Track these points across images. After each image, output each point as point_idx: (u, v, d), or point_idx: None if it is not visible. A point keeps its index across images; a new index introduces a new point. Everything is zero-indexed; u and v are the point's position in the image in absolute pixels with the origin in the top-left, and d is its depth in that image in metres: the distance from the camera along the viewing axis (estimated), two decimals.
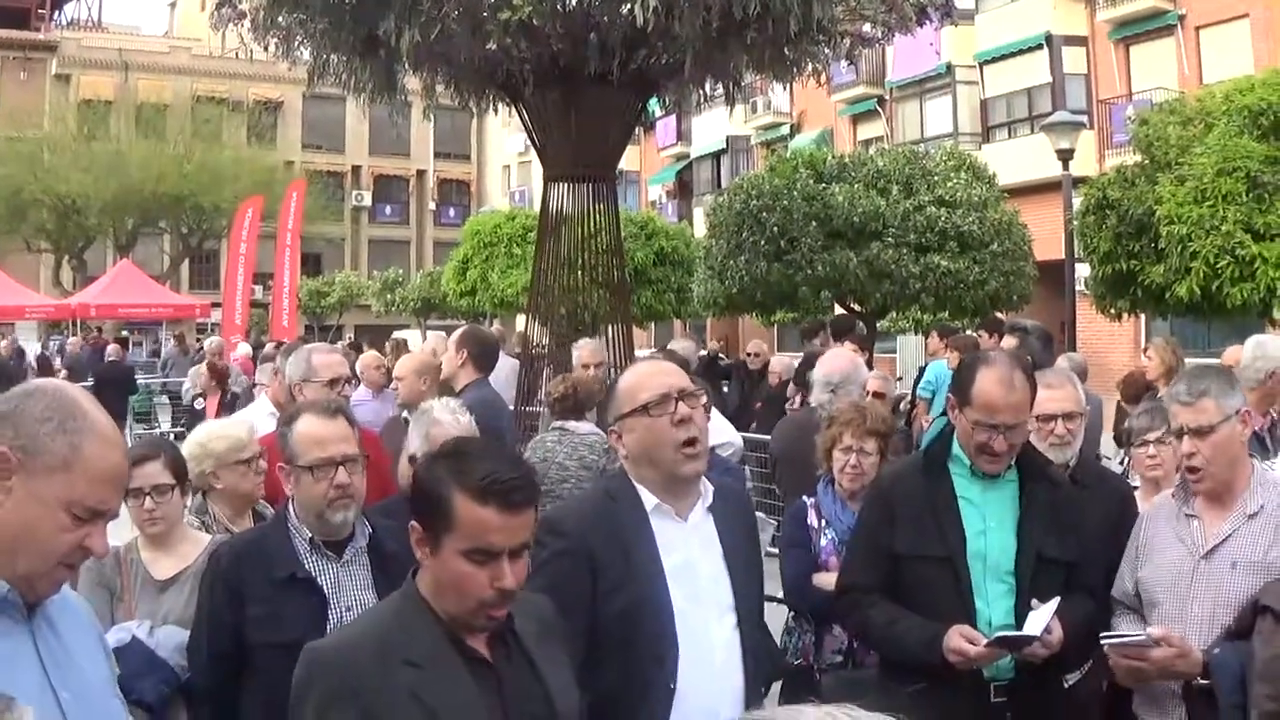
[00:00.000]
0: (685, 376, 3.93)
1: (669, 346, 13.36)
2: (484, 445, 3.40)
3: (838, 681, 5.45)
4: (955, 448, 4.46)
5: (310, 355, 6.80)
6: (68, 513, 2.44)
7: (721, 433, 8.09)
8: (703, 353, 20.00)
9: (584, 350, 9.34)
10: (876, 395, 8.34)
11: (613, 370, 11.04)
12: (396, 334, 13.76)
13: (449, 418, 5.32)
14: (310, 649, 3.06)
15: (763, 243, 20.02)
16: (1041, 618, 4.09)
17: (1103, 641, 4.21)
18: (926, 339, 22.77)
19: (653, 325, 36.40)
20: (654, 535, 3.73)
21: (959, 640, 4.13)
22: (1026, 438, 4.43)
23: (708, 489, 3.86)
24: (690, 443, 3.74)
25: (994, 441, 4.28)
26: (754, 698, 3.83)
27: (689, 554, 3.76)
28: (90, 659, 2.65)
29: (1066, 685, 4.90)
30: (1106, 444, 10.16)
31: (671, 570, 3.70)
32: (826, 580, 5.46)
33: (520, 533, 2.94)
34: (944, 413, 5.50)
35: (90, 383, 19.60)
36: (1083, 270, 18.39)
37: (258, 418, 6.86)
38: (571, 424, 7.24)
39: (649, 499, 3.76)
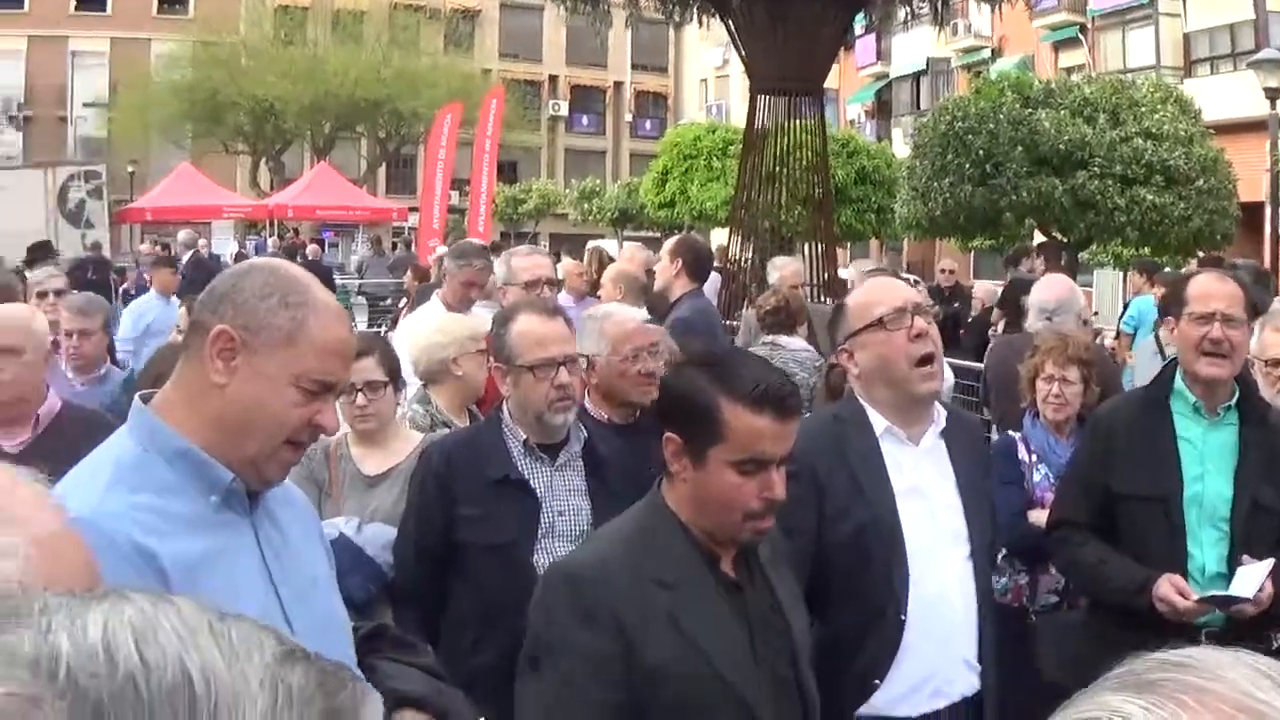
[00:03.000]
0: (917, 293, 3.81)
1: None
2: (739, 353, 3.29)
3: (1048, 625, 5.30)
4: (1178, 383, 4.27)
5: (510, 258, 6.76)
6: (296, 387, 2.37)
7: None
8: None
9: (787, 270, 9.11)
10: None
11: (813, 290, 10.86)
12: (592, 243, 13.76)
13: (625, 312, 5.17)
14: (558, 567, 3.00)
15: (967, 166, 19.73)
16: (1254, 576, 3.93)
17: None
18: (1125, 275, 22.27)
19: (849, 245, 36.07)
20: (884, 458, 3.59)
21: (1168, 589, 3.98)
22: (1246, 349, 4.25)
23: (940, 413, 3.72)
24: (927, 359, 3.59)
25: (1214, 330, 4.09)
26: (988, 634, 3.65)
27: (920, 479, 3.61)
28: (311, 554, 2.60)
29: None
30: None
31: (901, 494, 3.56)
32: (1042, 518, 5.29)
33: (789, 440, 2.84)
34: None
35: None
36: None
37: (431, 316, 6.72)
38: (783, 339, 7.09)
39: (879, 421, 3.63)
